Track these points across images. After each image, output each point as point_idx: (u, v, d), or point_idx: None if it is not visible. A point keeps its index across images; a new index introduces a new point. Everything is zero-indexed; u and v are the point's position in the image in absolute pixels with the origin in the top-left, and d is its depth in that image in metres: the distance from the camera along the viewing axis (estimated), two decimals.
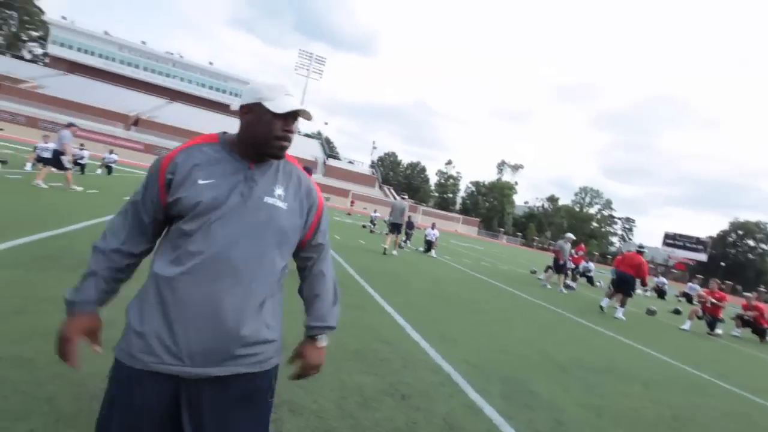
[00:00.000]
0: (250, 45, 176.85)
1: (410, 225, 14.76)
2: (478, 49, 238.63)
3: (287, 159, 1.16)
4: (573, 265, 13.01)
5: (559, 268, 10.92)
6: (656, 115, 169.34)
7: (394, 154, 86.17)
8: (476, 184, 79.60)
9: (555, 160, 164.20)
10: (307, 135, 67.55)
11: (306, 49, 71.32)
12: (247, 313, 1.01)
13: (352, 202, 41.62)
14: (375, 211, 21.74)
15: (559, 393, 3.36)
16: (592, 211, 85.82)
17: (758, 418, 3.96)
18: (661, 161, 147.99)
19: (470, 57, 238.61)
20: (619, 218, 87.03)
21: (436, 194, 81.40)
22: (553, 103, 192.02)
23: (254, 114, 1.05)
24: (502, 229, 70.51)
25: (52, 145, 12.65)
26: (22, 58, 59.56)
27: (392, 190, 59.46)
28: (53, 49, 57.61)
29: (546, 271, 13.72)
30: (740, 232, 71.58)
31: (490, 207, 76.33)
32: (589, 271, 15.29)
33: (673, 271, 45.38)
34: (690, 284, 17.69)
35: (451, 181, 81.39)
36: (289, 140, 1.08)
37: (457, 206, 79.34)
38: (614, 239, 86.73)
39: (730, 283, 33.23)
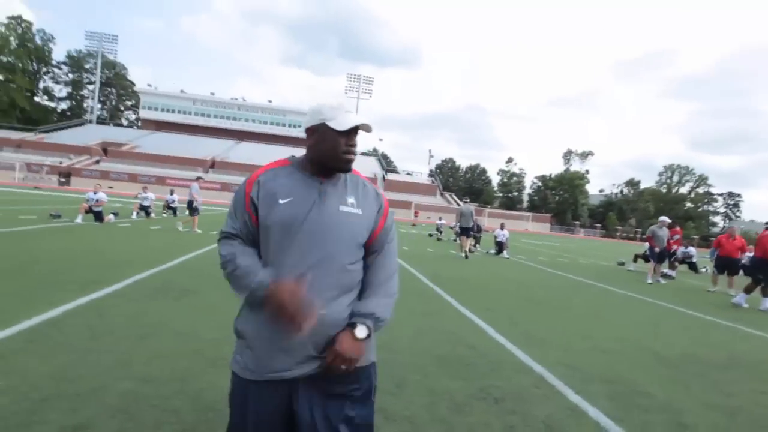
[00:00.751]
0: (302, 78, 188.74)
1: (478, 228, 14.35)
2: (524, 39, 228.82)
3: (353, 172, 1.26)
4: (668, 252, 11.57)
5: (654, 256, 9.65)
6: (749, 69, 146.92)
7: (451, 160, 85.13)
8: (542, 178, 75.18)
9: (629, 141, 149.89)
10: (363, 153, 69.58)
11: (353, 72, 74.21)
12: (341, 314, 1.12)
13: (416, 213, 41.69)
14: (440, 219, 21.54)
15: (677, 393, 2.99)
16: (684, 190, 76.26)
17: None
18: (763, 122, 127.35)
19: (518, 49, 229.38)
20: (720, 194, 76.18)
21: (500, 194, 78.29)
22: (618, 80, 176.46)
23: (319, 134, 1.14)
24: (577, 222, 65.43)
25: (151, 195, 14.54)
26: (121, 125, 70.13)
27: (454, 196, 58.49)
28: (143, 113, 66.77)
29: (635, 260, 12.43)
30: None
31: (560, 200, 71.41)
32: (690, 256, 13.51)
33: None
34: None
35: (515, 178, 77.83)
36: (354, 153, 1.17)
37: (524, 204, 75.43)
38: (716, 219, 75.93)
39: None
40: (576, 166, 76.22)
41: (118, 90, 73.74)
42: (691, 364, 3.71)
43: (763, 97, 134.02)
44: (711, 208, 76.48)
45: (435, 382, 2.76)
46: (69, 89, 69.51)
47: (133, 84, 72.38)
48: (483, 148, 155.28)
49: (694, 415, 2.65)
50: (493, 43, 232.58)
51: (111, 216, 12.09)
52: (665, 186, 77.08)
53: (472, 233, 13.99)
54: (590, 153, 76.92)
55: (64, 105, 69.83)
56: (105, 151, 50.50)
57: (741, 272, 9.35)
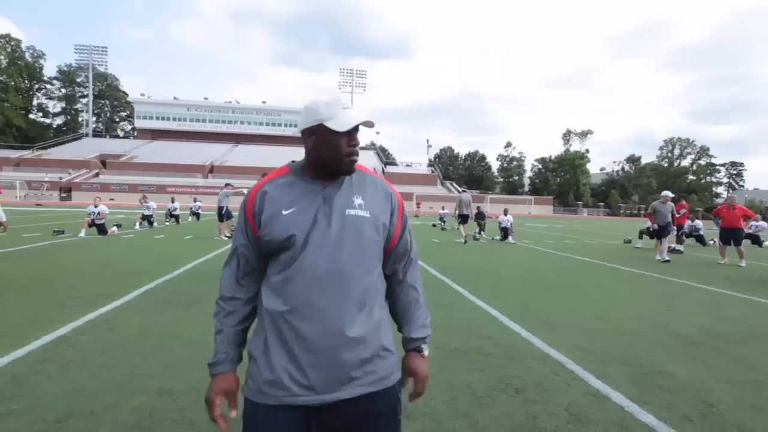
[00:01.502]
0: (294, 76, 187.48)
1: (481, 215, 14.27)
2: (516, 21, 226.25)
3: (360, 168, 1.16)
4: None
5: (657, 232, 9.41)
6: (746, 36, 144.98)
7: (450, 149, 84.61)
8: (542, 160, 74.70)
9: (628, 117, 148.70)
10: (361, 148, 69.00)
11: (346, 67, 73.67)
12: (360, 331, 1.00)
13: (418, 204, 41.59)
14: (443, 209, 21.45)
15: (699, 370, 2.94)
16: (685, 163, 75.70)
17: None
18: (762, 89, 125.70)
19: (510, 31, 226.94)
20: (722, 165, 75.59)
21: (501, 180, 77.93)
22: (614, 56, 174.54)
23: (317, 136, 1.04)
24: (580, 202, 65.17)
25: (153, 204, 14.50)
26: (117, 136, 70.08)
27: (455, 185, 58.33)
28: (138, 123, 66.62)
29: (640, 237, 12.34)
30: None
31: (562, 182, 71.05)
32: (698, 229, 13.41)
33: None
34: None
35: (515, 163, 77.38)
36: (356, 154, 1.08)
37: (526, 188, 75.11)
38: (720, 189, 75.43)
39: None
40: (576, 146, 75.72)
41: (112, 101, 73.57)
42: (710, 339, 3.65)
43: (762, 63, 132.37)
44: (714, 180, 75.95)
45: (453, 376, 2.72)
46: (63, 104, 69.42)
47: (126, 94, 72.15)
48: (481, 135, 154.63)
49: (719, 392, 2.60)
50: (485, 27, 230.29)
51: (114, 228, 12.08)
52: (666, 160, 76.48)
53: (478, 220, 14.01)
54: (589, 132, 76.32)
55: (59, 120, 69.85)
56: (103, 163, 50.53)
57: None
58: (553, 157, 73.69)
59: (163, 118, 66.14)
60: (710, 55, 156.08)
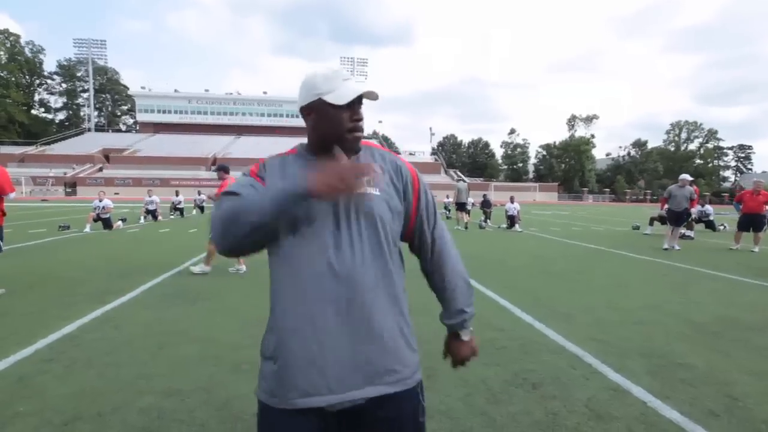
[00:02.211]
0: (294, 66, 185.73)
1: (487, 203, 14.14)
2: (520, 5, 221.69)
3: (370, 145, 1.07)
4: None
5: (671, 219, 8.58)
6: (755, 14, 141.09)
7: (453, 136, 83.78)
8: (547, 147, 73.89)
9: (634, 101, 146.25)
10: (364, 137, 68.79)
11: (346, 55, 72.77)
12: (376, 326, 0.91)
13: None
14: (447, 197, 21.29)
15: (720, 362, 2.85)
16: (693, 146, 74.60)
17: None
18: None
19: (512, 14, 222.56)
20: (730, 148, 74.44)
21: (505, 167, 77.30)
22: (619, 38, 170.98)
23: (317, 112, 0.95)
24: (585, 189, 64.56)
25: (156, 199, 14.47)
26: (120, 130, 69.99)
27: (458, 173, 57.94)
28: (140, 116, 66.45)
29: (651, 223, 12.16)
30: None
31: (567, 168, 70.34)
32: (708, 215, 13.20)
33: None
34: None
35: (519, 149, 76.62)
36: (361, 129, 0.98)
37: (530, 175, 74.52)
38: (727, 173, 74.50)
39: None
40: (581, 131, 74.72)
41: (113, 95, 73.28)
42: (728, 328, 3.55)
43: None
44: (721, 163, 74.91)
45: (467, 371, 2.62)
46: (64, 99, 69.23)
47: (126, 88, 71.78)
48: (484, 121, 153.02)
49: (743, 384, 2.51)
50: (487, 11, 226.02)
51: (119, 222, 12.08)
52: (673, 144, 75.40)
53: (484, 209, 13.89)
54: (595, 117, 75.20)
55: (61, 115, 69.73)
56: (107, 157, 50.57)
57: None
58: (557, 143, 72.89)
59: (164, 111, 65.88)
60: (717, 35, 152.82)
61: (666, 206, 8.64)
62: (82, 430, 2.00)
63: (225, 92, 69.07)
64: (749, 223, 8.61)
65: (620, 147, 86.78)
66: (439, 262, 1.08)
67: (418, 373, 0.98)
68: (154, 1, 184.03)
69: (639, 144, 74.89)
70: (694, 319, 3.81)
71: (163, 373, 2.60)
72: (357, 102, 0.96)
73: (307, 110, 0.97)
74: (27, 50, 62.63)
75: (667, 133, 76.66)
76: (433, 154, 67.19)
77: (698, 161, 71.65)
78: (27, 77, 63.96)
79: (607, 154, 79.98)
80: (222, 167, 5.91)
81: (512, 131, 77.21)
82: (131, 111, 71.72)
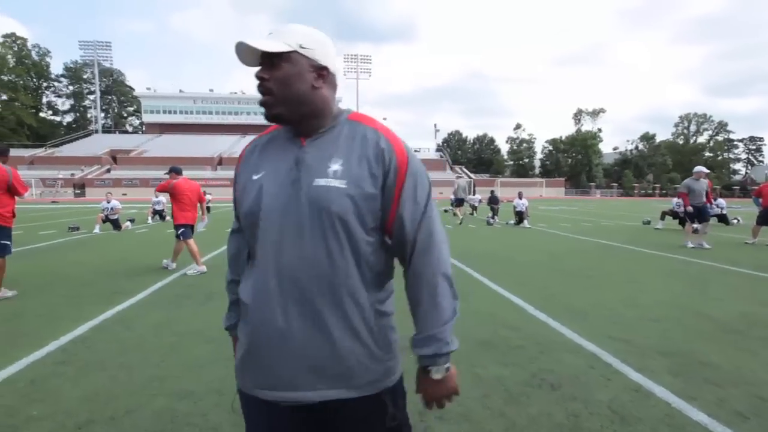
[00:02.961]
0: None
1: (494, 199, 14.02)
2: None
3: (358, 119, 0.90)
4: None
5: (691, 215, 8.11)
6: (764, 3, 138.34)
7: (458, 132, 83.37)
8: (553, 141, 73.21)
9: (642, 93, 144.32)
10: None
11: (350, 53, 72.61)
12: (326, 329, 0.83)
13: None
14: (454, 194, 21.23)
15: (745, 360, 2.76)
16: (702, 139, 73.52)
17: None
18: None
19: (516, 7, 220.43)
20: (740, 140, 73.25)
21: (511, 162, 76.76)
22: (626, 30, 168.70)
23: None
24: (592, 183, 63.96)
25: (163, 199, 14.49)
26: (126, 131, 70.55)
27: (464, 169, 57.68)
28: (146, 117, 66.92)
29: (662, 218, 11.96)
30: None
31: (573, 163, 69.70)
32: (721, 208, 12.97)
33: None
34: None
35: (525, 145, 76.02)
36: (265, 92, 0.85)
37: (536, 170, 73.95)
38: (738, 166, 73.33)
39: None
40: (587, 125, 73.97)
41: (119, 97, 73.91)
42: (752, 326, 3.45)
43: None
44: (731, 156, 73.75)
45: (484, 371, 2.59)
46: (71, 101, 69.92)
47: (132, 89, 72.39)
48: (489, 117, 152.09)
49: None
50: (490, 5, 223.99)
51: (128, 223, 12.15)
52: (682, 137, 74.39)
53: (492, 205, 13.80)
54: (601, 110, 74.40)
55: (68, 117, 70.41)
56: (114, 159, 51.04)
57: None
58: (564, 138, 72.19)
59: (170, 112, 66.24)
60: (726, 25, 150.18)
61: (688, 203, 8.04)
62: None
63: (229, 92, 69.30)
64: None
65: (628, 141, 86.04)
66: (417, 269, 0.88)
67: (384, 381, 0.89)
68: (157, 2, 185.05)
69: (647, 137, 73.93)
70: (715, 316, 3.71)
71: (175, 374, 2.58)
72: (258, 61, 0.86)
73: None
74: (34, 53, 63.25)
75: (676, 125, 75.77)
76: (438, 150, 66.88)
77: (708, 154, 70.58)
78: (35, 80, 64.62)
79: (615, 149, 79.15)
80: (174, 169, 6.00)
81: (518, 126, 76.63)
82: (137, 112, 72.31)
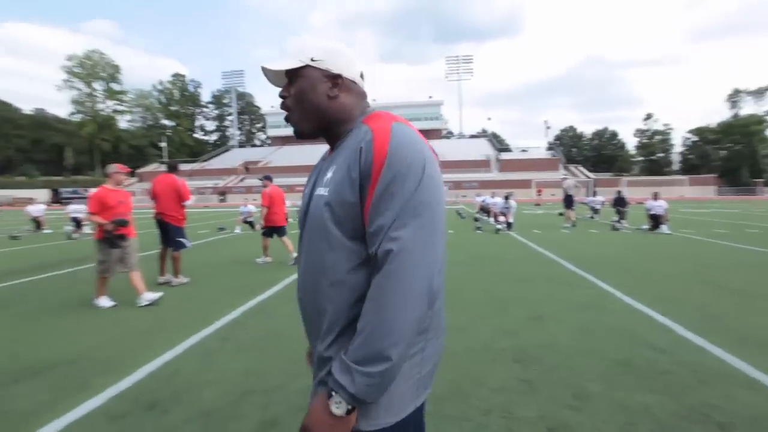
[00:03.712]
0: (399, 71, 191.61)
1: (621, 201, 12.34)
2: None
3: (366, 119, 0.84)
4: None
5: None
6: None
7: (572, 128, 75.91)
8: (699, 131, 61.23)
9: None
10: (472, 136, 67.00)
11: (451, 55, 72.04)
12: (321, 348, 0.82)
13: (539, 191, 38.47)
14: (595, 194, 19.37)
15: None
16: None
17: None
18: None
19: None
20: None
21: (641, 158, 66.57)
22: None
23: None
24: (759, 180, 51.41)
25: (252, 208, 14.14)
26: (255, 145, 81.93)
27: (580, 168, 52.04)
28: (271, 132, 76.58)
29: None
30: None
31: (729, 155, 57.10)
32: None
33: None
34: None
35: (658, 137, 65.21)
36: (286, 109, 0.92)
37: (675, 165, 62.66)
38: None
39: None
40: (749, 108, 59.85)
41: (250, 116, 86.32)
42: None
43: None
44: None
45: (626, 396, 2.30)
46: (216, 123, 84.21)
47: (259, 108, 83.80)
48: (609, 109, 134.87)
49: None
50: None
51: (258, 225, 14.02)
52: None
53: (618, 207, 12.18)
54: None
55: (214, 136, 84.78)
56: (247, 169, 59.65)
57: None
58: (714, 126, 59.72)
59: (290, 126, 74.43)
60: None
61: None
62: (256, 402, 2.33)
63: None
64: None
65: None
66: (372, 285, 0.74)
67: (372, 421, 0.76)
68: (277, 31, 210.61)
69: None
70: None
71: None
72: (274, 81, 0.96)
73: None
74: (191, 87, 78.02)
75: None
76: (549, 149, 61.66)
77: None
78: (191, 108, 79.62)
79: None
80: (267, 177, 6.87)
81: (648, 116, 66.25)
82: (263, 128, 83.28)
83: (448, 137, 69.46)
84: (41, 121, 64.87)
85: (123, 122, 69.69)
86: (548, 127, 67.82)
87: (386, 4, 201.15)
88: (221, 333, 3.48)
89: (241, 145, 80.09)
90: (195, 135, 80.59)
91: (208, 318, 3.85)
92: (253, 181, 54.58)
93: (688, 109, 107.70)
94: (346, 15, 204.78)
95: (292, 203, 17.59)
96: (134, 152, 66.69)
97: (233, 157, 65.93)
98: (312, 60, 0.87)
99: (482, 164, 47.55)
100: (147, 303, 4.33)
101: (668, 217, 11.02)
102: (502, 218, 11.96)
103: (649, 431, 1.99)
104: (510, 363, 2.76)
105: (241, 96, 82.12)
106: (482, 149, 56.12)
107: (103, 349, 3.19)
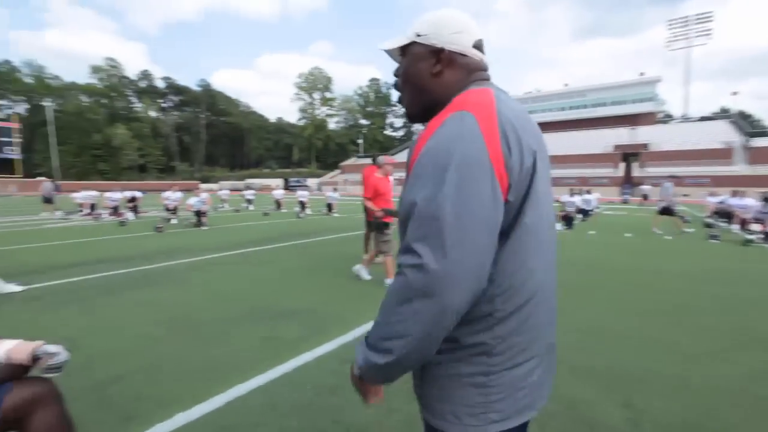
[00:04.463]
0: (600, 48, 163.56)
1: None
2: None
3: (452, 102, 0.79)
4: None
5: None
6: None
7: None
8: None
9: None
10: (704, 118, 51.39)
11: (674, 17, 57.35)
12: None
13: None
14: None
15: None
16: None
17: None
18: None
19: None
20: None
21: None
22: None
23: None
24: None
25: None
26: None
27: None
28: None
29: None
30: None
31: None
32: None
33: None
34: None
35: None
36: (399, 91, 0.89)
37: None
38: None
39: None
40: None
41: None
42: None
43: None
44: None
45: None
46: (403, 120, 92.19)
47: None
48: None
49: None
50: None
51: None
52: None
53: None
54: None
55: (401, 132, 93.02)
56: None
57: None
58: None
59: None
60: None
61: None
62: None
63: (523, 92, 70.30)
64: None
65: None
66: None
67: (430, 415, 0.80)
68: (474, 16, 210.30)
69: None
70: None
71: None
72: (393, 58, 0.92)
73: None
74: (384, 88, 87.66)
75: None
76: None
77: None
78: (384, 108, 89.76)
79: None
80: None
81: None
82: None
83: (665, 121, 55.74)
84: (280, 127, 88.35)
85: (332, 124, 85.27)
86: None
87: None
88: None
89: None
90: (385, 132, 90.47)
91: (351, 323, 3.86)
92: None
93: None
94: None
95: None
96: (338, 149, 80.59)
97: None
98: (417, 35, 0.82)
99: (718, 154, 35.80)
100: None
101: None
102: (755, 226, 8.96)
103: None
104: None
105: None
106: (718, 134, 41.92)
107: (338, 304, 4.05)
